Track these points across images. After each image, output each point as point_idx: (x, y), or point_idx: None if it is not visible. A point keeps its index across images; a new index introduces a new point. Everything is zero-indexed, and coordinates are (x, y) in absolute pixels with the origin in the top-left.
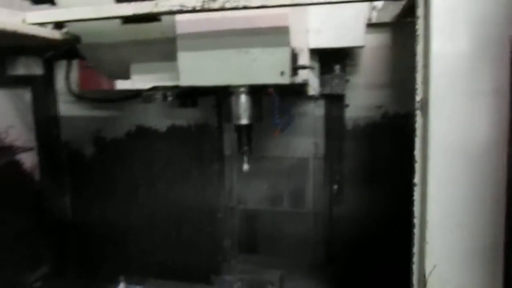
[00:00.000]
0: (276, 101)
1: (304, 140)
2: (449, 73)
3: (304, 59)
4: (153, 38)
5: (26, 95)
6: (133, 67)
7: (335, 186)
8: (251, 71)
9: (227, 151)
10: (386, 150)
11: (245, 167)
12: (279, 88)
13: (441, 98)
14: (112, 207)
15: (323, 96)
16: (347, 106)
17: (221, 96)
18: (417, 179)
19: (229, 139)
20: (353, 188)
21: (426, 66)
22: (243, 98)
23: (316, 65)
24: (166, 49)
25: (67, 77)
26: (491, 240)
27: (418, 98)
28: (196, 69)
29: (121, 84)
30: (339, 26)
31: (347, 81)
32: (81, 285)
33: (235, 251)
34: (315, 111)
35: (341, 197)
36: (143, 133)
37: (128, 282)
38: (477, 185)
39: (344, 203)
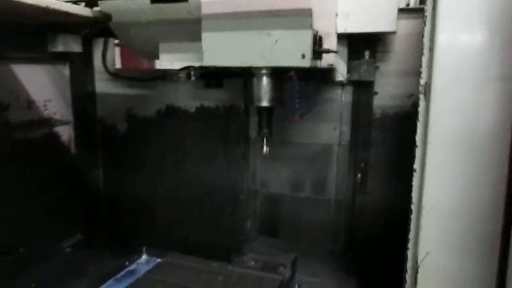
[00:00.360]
0: (296, 85)
1: (329, 127)
2: (454, 57)
3: (331, 43)
4: (180, 18)
5: (65, 71)
6: (162, 46)
7: (359, 175)
8: (272, 53)
9: (253, 134)
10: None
11: (265, 149)
12: (303, 72)
13: (445, 82)
14: (141, 182)
15: (351, 82)
16: (375, 93)
17: (245, 78)
18: (416, 164)
19: (254, 122)
20: (378, 178)
21: (431, 49)
22: (265, 80)
23: (345, 50)
24: (192, 30)
25: (103, 56)
26: (488, 229)
27: (422, 82)
28: (219, 50)
29: (160, 64)
30: (370, 11)
31: (376, 67)
32: (107, 253)
33: (255, 233)
34: (342, 97)
35: (365, 187)
36: (172, 112)
37: (149, 254)
38: (476, 173)
39: (367, 193)
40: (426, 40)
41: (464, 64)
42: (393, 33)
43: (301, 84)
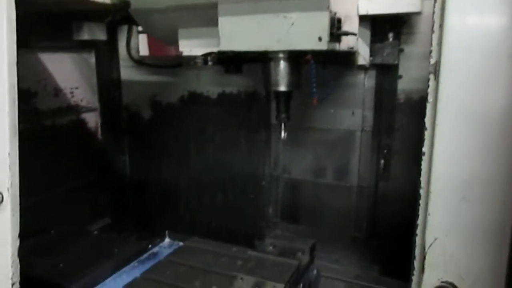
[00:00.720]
0: (313, 69)
1: (351, 112)
2: (465, 34)
3: (352, 25)
4: (197, 3)
5: (91, 59)
6: (180, 32)
7: (382, 161)
8: (289, 36)
9: (274, 120)
10: None
11: (283, 134)
12: (320, 56)
13: (455, 61)
14: (165, 168)
15: (374, 66)
16: (400, 77)
17: (263, 62)
18: (425, 147)
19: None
20: (401, 165)
21: (441, 26)
22: (282, 65)
23: (367, 32)
24: (210, 15)
25: (127, 43)
26: (498, 215)
27: (432, 61)
28: (235, 34)
29: (180, 50)
30: None
31: (401, 50)
32: (133, 237)
33: (277, 219)
34: (365, 81)
35: (388, 173)
36: (195, 99)
37: (172, 238)
38: (487, 157)
39: (391, 179)
40: (436, 17)
41: (475, 42)
42: (418, 13)
43: (319, 68)
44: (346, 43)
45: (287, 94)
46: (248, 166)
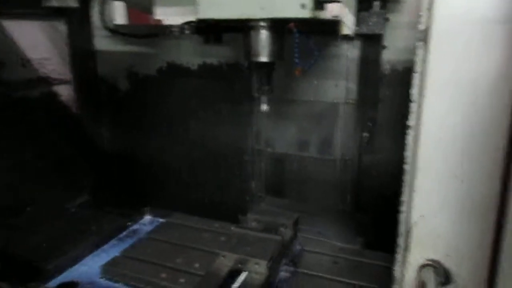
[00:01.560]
0: (296, 38)
1: (335, 84)
2: None
3: None
4: None
5: (61, 27)
6: None
7: (366, 134)
8: (271, 3)
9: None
10: None
11: (264, 107)
12: (305, 25)
13: (446, 26)
14: (147, 142)
15: (359, 36)
16: (385, 47)
17: (244, 32)
18: (412, 121)
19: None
20: (386, 137)
21: None
22: (263, 34)
23: (353, 0)
24: None
25: (101, 11)
26: (485, 192)
27: (421, 27)
28: (215, 1)
29: (155, 18)
30: None
31: (386, 19)
32: (112, 214)
33: (262, 193)
34: (349, 52)
35: (372, 146)
36: (174, 70)
37: (153, 214)
38: (477, 132)
39: (375, 152)
40: None
41: (468, 5)
42: None
43: (302, 38)
44: (330, 11)
45: (269, 65)
46: (231, 140)
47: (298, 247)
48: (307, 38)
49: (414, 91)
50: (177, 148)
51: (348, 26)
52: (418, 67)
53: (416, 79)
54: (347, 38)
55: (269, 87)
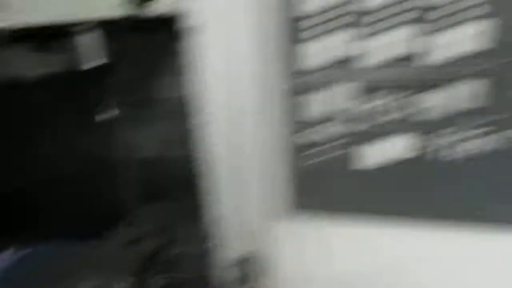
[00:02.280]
0: None
1: None
2: None
3: None
4: None
5: None
6: None
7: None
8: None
9: (109, 99)
10: None
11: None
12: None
13: None
14: None
15: None
16: None
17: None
18: None
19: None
20: None
21: None
22: (89, 37)
23: None
24: None
25: None
26: None
27: None
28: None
29: None
30: None
31: None
32: None
33: (135, 203)
34: None
35: None
36: (7, 84)
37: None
38: None
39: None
40: None
41: None
42: None
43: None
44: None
45: (107, 68)
46: (93, 151)
47: (174, 251)
48: None
49: None
50: (32, 172)
51: None
52: None
53: None
54: None
55: (116, 89)
